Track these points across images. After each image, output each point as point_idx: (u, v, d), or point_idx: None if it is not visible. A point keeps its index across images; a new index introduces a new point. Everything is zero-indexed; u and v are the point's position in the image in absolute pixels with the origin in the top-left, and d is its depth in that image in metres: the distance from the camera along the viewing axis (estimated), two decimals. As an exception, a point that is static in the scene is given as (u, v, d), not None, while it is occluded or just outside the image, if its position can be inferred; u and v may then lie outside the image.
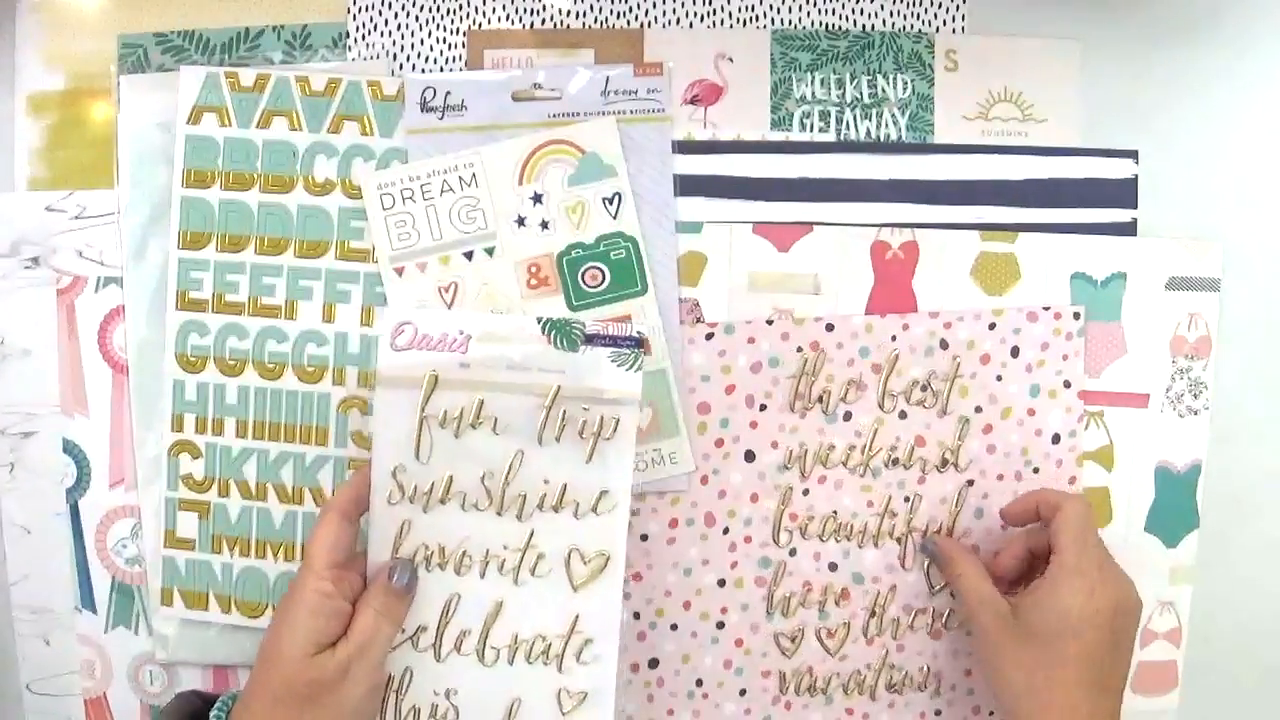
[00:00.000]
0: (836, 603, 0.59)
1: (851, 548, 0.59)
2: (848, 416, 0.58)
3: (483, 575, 0.51)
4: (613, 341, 0.51)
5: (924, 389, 0.58)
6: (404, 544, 0.50)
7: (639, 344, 0.51)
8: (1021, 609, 0.51)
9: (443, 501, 0.50)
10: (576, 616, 0.51)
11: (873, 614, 0.59)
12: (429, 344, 0.50)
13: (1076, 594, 0.49)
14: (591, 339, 0.50)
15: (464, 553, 0.50)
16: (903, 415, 0.58)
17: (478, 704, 0.51)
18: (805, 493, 0.58)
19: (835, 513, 0.59)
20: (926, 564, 0.59)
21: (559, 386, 0.50)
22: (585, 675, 0.51)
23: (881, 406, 0.58)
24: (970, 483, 0.59)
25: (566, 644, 0.51)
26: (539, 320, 0.50)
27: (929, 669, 0.59)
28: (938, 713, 0.60)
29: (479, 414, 0.50)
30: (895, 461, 0.59)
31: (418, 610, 0.50)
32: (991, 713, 0.60)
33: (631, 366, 0.50)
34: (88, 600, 0.60)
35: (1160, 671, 0.61)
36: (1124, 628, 0.50)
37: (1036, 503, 0.54)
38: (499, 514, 0.50)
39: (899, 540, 0.59)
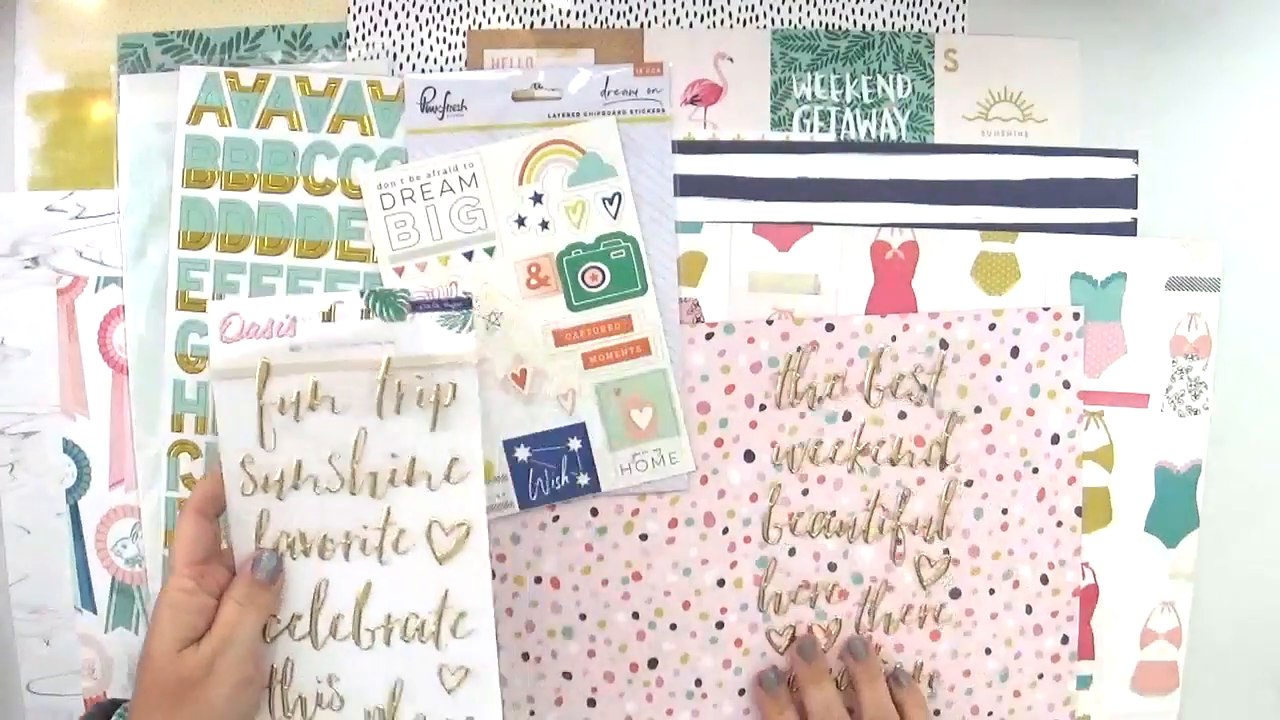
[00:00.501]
0: (828, 598, 0.59)
1: (845, 544, 0.59)
2: (847, 416, 0.58)
3: (347, 557, 0.50)
4: (440, 305, 0.49)
5: (924, 389, 0.58)
6: (265, 533, 0.49)
7: (467, 304, 0.49)
8: None
9: (295, 487, 0.49)
10: (446, 591, 0.50)
11: (865, 609, 0.59)
12: (258, 332, 0.49)
13: None
14: (418, 305, 0.49)
15: (325, 536, 0.49)
16: (902, 415, 0.58)
17: (361, 688, 0.50)
18: (805, 493, 0.58)
19: (834, 512, 0.59)
20: (918, 560, 0.59)
21: (389, 358, 0.48)
22: (463, 650, 0.50)
23: (880, 405, 0.58)
24: (969, 483, 0.59)
25: (440, 620, 0.50)
26: (363, 293, 0.49)
27: (923, 665, 0.59)
28: (936, 713, 0.60)
29: (315, 395, 0.49)
30: (894, 461, 0.59)
31: (290, 599, 0.50)
32: (991, 713, 0.60)
33: (462, 328, 0.49)
34: (88, 600, 0.60)
35: (1160, 671, 0.61)
36: None
37: None
38: (353, 494, 0.49)
39: (893, 535, 0.59)
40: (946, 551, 0.59)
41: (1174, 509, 0.60)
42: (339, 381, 0.49)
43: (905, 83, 0.59)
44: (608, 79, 0.57)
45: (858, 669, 0.57)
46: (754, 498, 0.58)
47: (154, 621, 0.47)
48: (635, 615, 0.59)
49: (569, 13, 0.58)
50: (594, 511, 0.58)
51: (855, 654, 0.57)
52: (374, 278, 0.57)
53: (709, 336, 0.58)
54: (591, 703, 0.59)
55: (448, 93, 0.57)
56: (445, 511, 0.50)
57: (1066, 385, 0.59)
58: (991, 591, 0.59)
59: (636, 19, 0.58)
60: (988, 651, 0.60)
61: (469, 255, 0.57)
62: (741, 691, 0.59)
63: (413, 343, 0.49)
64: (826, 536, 0.59)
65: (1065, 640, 0.60)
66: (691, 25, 0.59)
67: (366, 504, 0.50)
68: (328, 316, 0.49)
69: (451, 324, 0.49)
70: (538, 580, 0.58)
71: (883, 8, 0.59)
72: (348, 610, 0.50)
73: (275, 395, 0.49)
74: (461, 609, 0.50)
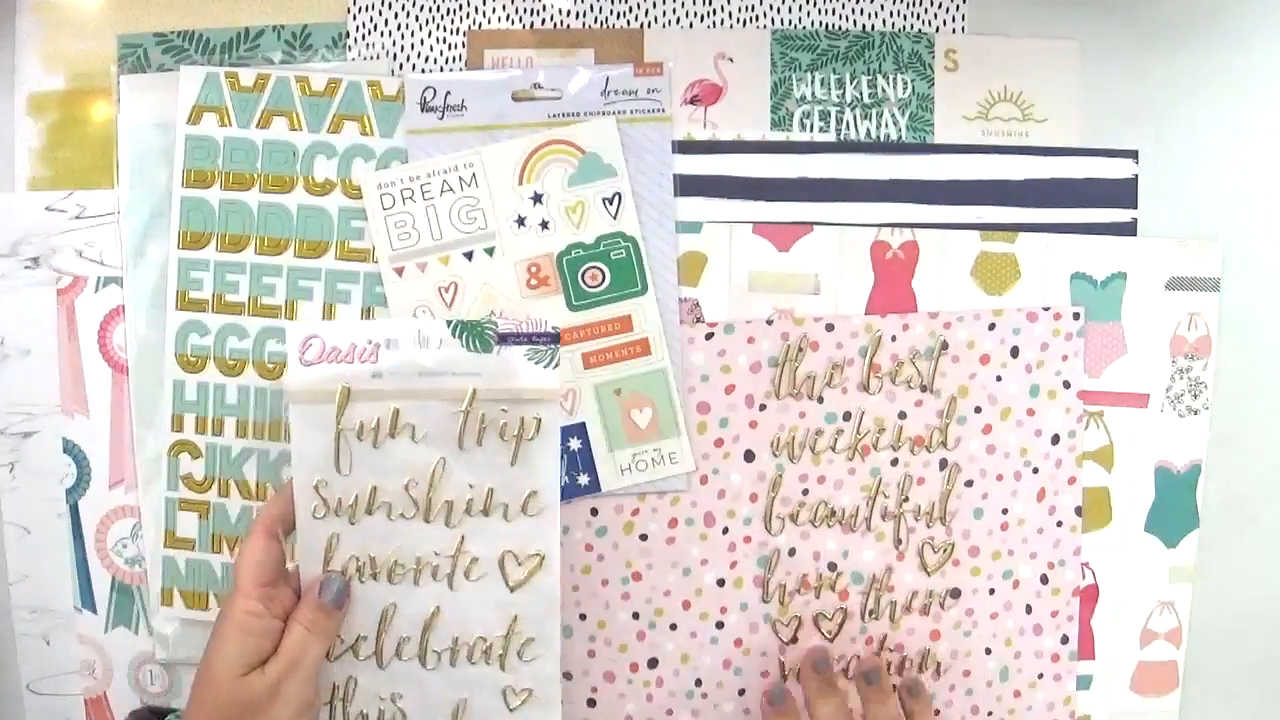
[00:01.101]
0: (831, 587, 0.59)
1: (846, 540, 0.59)
2: (847, 416, 0.58)
3: (417, 582, 0.50)
4: (528, 339, 0.49)
5: (923, 389, 0.58)
6: (334, 557, 0.49)
7: (555, 339, 0.49)
8: None
9: (369, 512, 0.49)
10: (515, 616, 0.50)
11: (869, 597, 0.59)
12: (338, 356, 0.48)
13: None
14: (505, 338, 0.49)
15: (395, 561, 0.50)
16: (902, 415, 0.58)
17: (424, 706, 0.50)
18: (805, 492, 0.58)
19: (837, 510, 0.59)
20: (921, 547, 0.59)
21: (474, 390, 0.48)
22: (529, 672, 0.50)
23: (880, 405, 0.58)
24: (970, 483, 0.59)
25: (508, 643, 0.50)
26: (449, 323, 0.49)
27: (929, 651, 0.59)
28: (937, 712, 0.60)
29: (395, 423, 0.49)
30: (894, 458, 0.59)
31: (356, 621, 0.50)
32: (991, 713, 0.60)
33: (549, 363, 0.49)
34: (88, 600, 0.60)
35: (1160, 671, 0.61)
36: None
37: None
38: (427, 521, 0.49)
39: (895, 523, 0.59)
40: (949, 534, 0.59)
41: (1174, 509, 0.60)
42: (421, 410, 0.49)
43: (905, 83, 0.59)
44: (608, 79, 0.57)
45: (870, 692, 0.55)
46: (754, 497, 0.58)
47: (218, 641, 0.47)
48: (635, 615, 0.59)
49: (569, 13, 0.58)
50: (594, 511, 0.58)
51: (869, 680, 0.55)
52: (374, 277, 0.57)
53: (709, 336, 0.58)
54: (591, 703, 0.59)
55: (448, 93, 0.57)
56: (520, 542, 0.50)
57: (1066, 385, 0.59)
58: (991, 591, 0.60)
59: (636, 19, 0.58)
60: (988, 651, 0.60)
61: (469, 255, 0.57)
62: (742, 691, 0.59)
63: (498, 375, 0.49)
64: (830, 526, 0.59)
65: (1065, 640, 0.60)
66: (691, 25, 0.59)
67: (440, 532, 0.50)
68: (412, 343, 0.49)
69: (538, 358, 0.49)
70: (538, 580, 0.58)
71: (883, 8, 0.59)
72: (414, 632, 0.50)
73: (354, 421, 0.49)
74: (530, 634, 0.50)
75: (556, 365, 0.49)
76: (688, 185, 0.58)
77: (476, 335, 0.49)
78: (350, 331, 0.49)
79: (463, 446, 0.49)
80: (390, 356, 0.49)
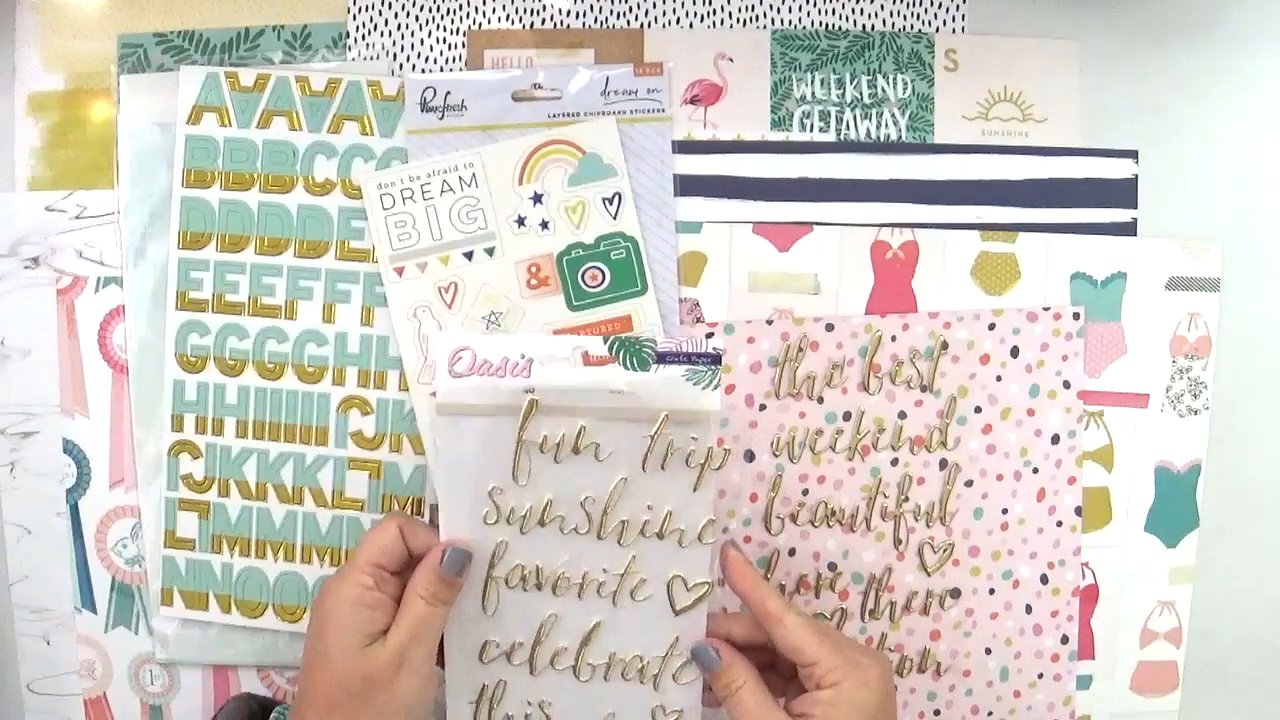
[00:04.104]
0: (831, 587, 0.59)
1: (845, 540, 0.59)
2: (847, 416, 0.58)
3: (580, 596, 0.50)
4: (687, 359, 0.48)
5: (923, 389, 0.58)
6: (499, 563, 0.49)
7: (716, 360, 0.48)
8: None
9: (541, 524, 0.49)
10: (677, 639, 0.50)
11: (868, 597, 0.59)
12: (489, 369, 0.48)
13: (858, 689, 0.46)
14: (664, 357, 0.48)
15: (562, 574, 0.49)
16: (902, 415, 0.58)
17: (572, 716, 0.50)
18: (805, 492, 0.58)
19: (837, 510, 0.59)
20: (920, 547, 0.59)
21: (666, 414, 0.47)
22: (681, 694, 0.50)
23: (880, 405, 0.58)
24: (970, 483, 0.59)
25: (664, 664, 0.50)
26: (605, 340, 0.48)
27: (928, 650, 0.59)
28: (937, 713, 0.60)
29: (580, 440, 0.48)
30: (894, 458, 0.59)
31: (514, 627, 0.50)
32: (991, 713, 0.60)
33: (709, 384, 0.48)
34: (88, 600, 0.60)
35: (1160, 671, 0.61)
36: (890, 692, 0.48)
37: (756, 618, 0.49)
38: (599, 538, 0.49)
39: (895, 523, 0.59)
40: (949, 534, 0.59)
41: (1174, 509, 0.60)
42: (607, 430, 0.48)
43: (905, 83, 0.59)
44: (608, 79, 0.57)
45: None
46: (754, 497, 0.58)
47: (330, 619, 0.45)
48: (635, 615, 0.59)
49: (569, 13, 0.58)
50: (594, 511, 0.58)
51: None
52: (374, 277, 0.57)
53: (709, 336, 0.58)
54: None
55: (448, 93, 0.57)
56: (691, 568, 0.49)
57: (1066, 385, 0.59)
58: (991, 591, 0.60)
59: (636, 19, 0.58)
60: (988, 651, 0.60)
61: (469, 255, 0.57)
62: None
63: (653, 395, 0.48)
64: (829, 526, 0.59)
65: (1065, 640, 0.60)
66: (691, 25, 0.59)
67: (611, 549, 0.49)
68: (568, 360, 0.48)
69: (697, 379, 0.48)
70: (538, 580, 0.58)
71: (883, 8, 0.59)
72: (572, 645, 0.50)
73: (538, 433, 0.48)
74: (688, 658, 0.50)
75: (717, 386, 0.48)
76: (688, 185, 0.58)
77: (634, 353, 0.48)
78: (503, 345, 0.48)
79: (645, 469, 0.48)
80: (543, 372, 0.48)
